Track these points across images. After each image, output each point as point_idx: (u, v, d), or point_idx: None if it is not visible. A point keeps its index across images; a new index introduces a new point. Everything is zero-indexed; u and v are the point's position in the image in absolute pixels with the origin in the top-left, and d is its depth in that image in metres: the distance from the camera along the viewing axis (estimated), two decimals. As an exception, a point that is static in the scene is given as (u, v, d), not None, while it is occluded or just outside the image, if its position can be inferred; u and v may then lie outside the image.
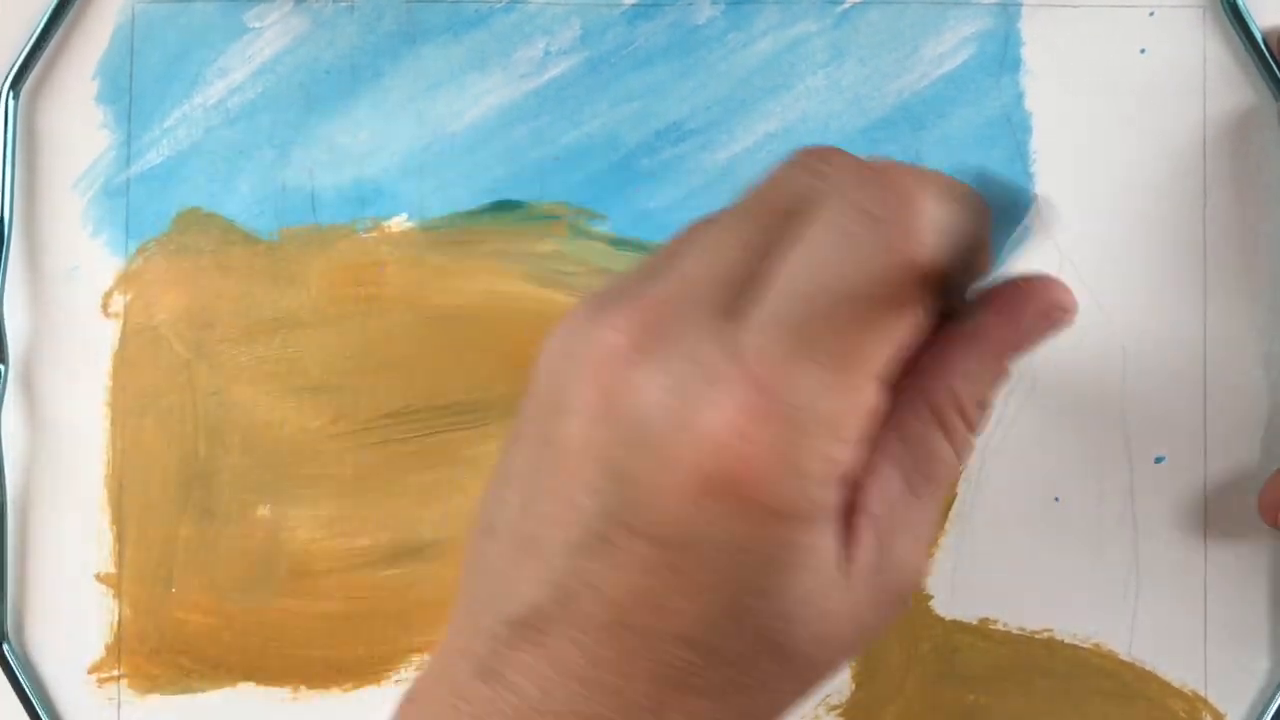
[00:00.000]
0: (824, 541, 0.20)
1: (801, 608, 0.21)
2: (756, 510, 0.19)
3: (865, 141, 0.36)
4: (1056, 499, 0.35)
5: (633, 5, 0.36)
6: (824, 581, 0.21)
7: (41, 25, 0.35)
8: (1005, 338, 0.22)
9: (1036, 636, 0.35)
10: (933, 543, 0.22)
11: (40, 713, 0.35)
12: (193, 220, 0.36)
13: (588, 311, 0.21)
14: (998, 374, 0.23)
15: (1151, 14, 0.36)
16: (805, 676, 0.22)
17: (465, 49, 0.36)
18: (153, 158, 0.36)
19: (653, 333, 0.20)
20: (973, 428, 0.23)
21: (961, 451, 0.22)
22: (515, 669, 0.20)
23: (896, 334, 0.20)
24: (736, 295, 0.20)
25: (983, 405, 0.23)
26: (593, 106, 0.36)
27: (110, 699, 0.36)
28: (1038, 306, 0.23)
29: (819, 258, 0.20)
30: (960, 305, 0.22)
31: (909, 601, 0.23)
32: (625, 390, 0.20)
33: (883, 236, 0.20)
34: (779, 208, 0.22)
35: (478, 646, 0.21)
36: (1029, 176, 0.35)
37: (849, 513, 0.21)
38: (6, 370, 0.36)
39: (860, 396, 0.20)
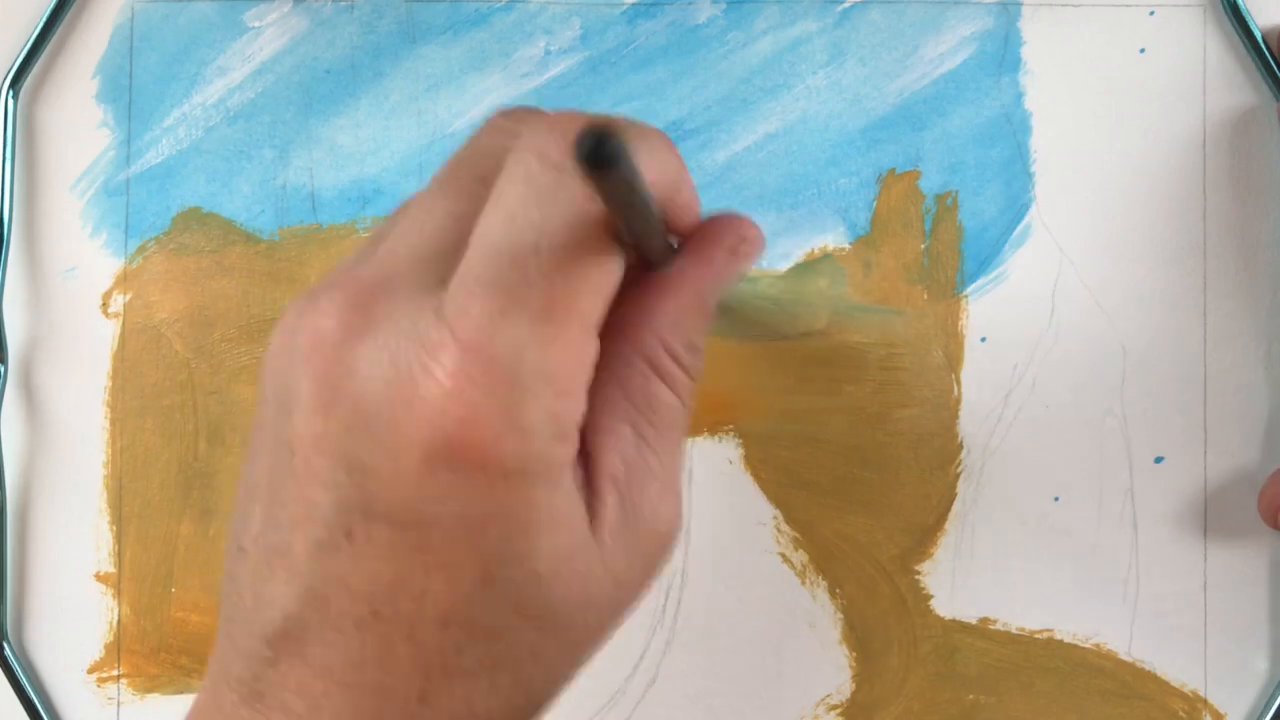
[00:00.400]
0: (561, 498, 0.20)
1: (553, 569, 0.20)
2: (487, 473, 0.19)
3: (865, 141, 0.36)
4: (1056, 499, 0.35)
5: (633, 5, 0.36)
6: (572, 541, 0.20)
7: (41, 25, 0.35)
8: (701, 278, 0.23)
9: (1036, 636, 0.35)
10: (678, 487, 0.23)
11: (40, 712, 0.35)
12: (193, 220, 0.36)
13: (300, 303, 0.21)
14: (702, 314, 0.23)
15: (1151, 14, 0.36)
16: (573, 642, 0.21)
17: (465, 49, 0.36)
18: (152, 157, 0.36)
19: (362, 312, 0.20)
20: (689, 371, 0.23)
21: (683, 395, 0.23)
22: (280, 687, 0.20)
23: (597, 281, 0.20)
24: (442, 264, 0.20)
25: (693, 348, 0.23)
26: (593, 106, 0.36)
27: (110, 699, 0.36)
28: (726, 244, 0.23)
29: (511, 213, 0.20)
30: (659, 253, 0.22)
31: (669, 552, 0.23)
32: (343, 375, 0.20)
33: (568, 185, 0.20)
34: (475, 173, 0.22)
35: (241, 671, 0.21)
36: (1029, 176, 0.35)
37: (589, 472, 0.21)
38: (6, 370, 0.36)
39: (571, 346, 0.20)
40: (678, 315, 0.22)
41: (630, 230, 0.21)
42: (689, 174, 0.23)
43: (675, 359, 0.22)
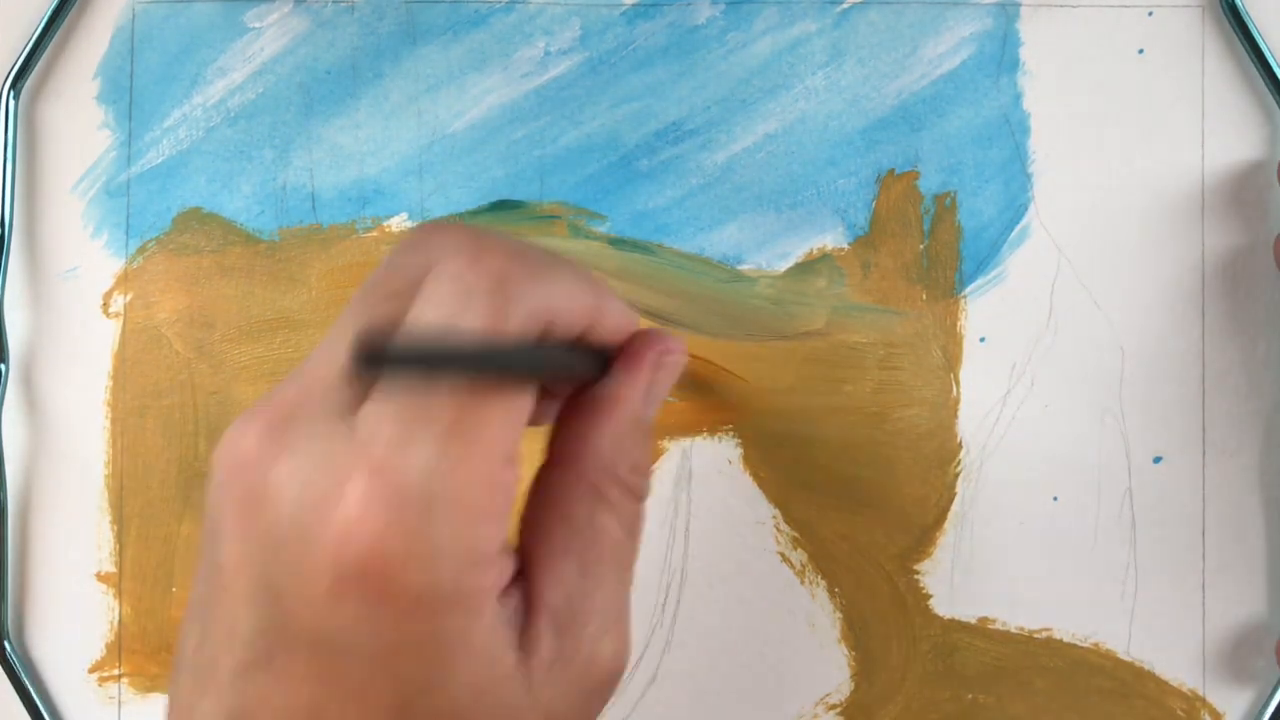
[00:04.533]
0: (481, 629, 0.20)
1: (474, 701, 0.20)
2: (398, 600, 0.19)
3: (864, 142, 0.36)
4: (1056, 499, 0.35)
5: (633, 5, 0.36)
6: (494, 673, 0.20)
7: (42, 25, 0.36)
8: (634, 396, 0.23)
9: (1036, 636, 0.35)
10: (625, 622, 0.22)
11: (41, 712, 0.35)
12: (193, 220, 0.36)
13: (234, 424, 0.21)
14: (640, 432, 0.23)
15: (1150, 14, 0.36)
16: None
17: (465, 49, 0.36)
18: (153, 158, 0.36)
19: (279, 434, 0.20)
20: (635, 494, 0.22)
21: (627, 523, 0.22)
22: None
23: (505, 407, 0.20)
24: (358, 384, 0.20)
25: (639, 469, 0.22)
26: (593, 107, 0.36)
27: (111, 698, 0.36)
28: (650, 359, 0.23)
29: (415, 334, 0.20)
30: (578, 378, 0.22)
31: (611, 688, 0.22)
32: (260, 498, 0.19)
33: (479, 314, 0.20)
34: (393, 289, 0.21)
35: None
36: (1027, 176, 0.36)
37: (528, 604, 0.21)
38: (7, 370, 0.36)
39: (482, 471, 0.19)
40: (616, 437, 0.22)
41: (511, 374, 0.20)
42: (609, 293, 0.23)
43: (620, 483, 0.22)
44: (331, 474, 0.19)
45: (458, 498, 0.19)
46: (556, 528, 0.21)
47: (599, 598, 0.21)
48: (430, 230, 0.22)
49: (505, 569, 0.21)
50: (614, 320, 0.23)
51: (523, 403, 0.20)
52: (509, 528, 0.20)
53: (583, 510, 0.22)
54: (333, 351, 0.21)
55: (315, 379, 0.21)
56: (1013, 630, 0.35)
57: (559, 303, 0.21)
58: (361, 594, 0.19)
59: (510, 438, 0.20)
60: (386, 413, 0.19)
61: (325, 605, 0.19)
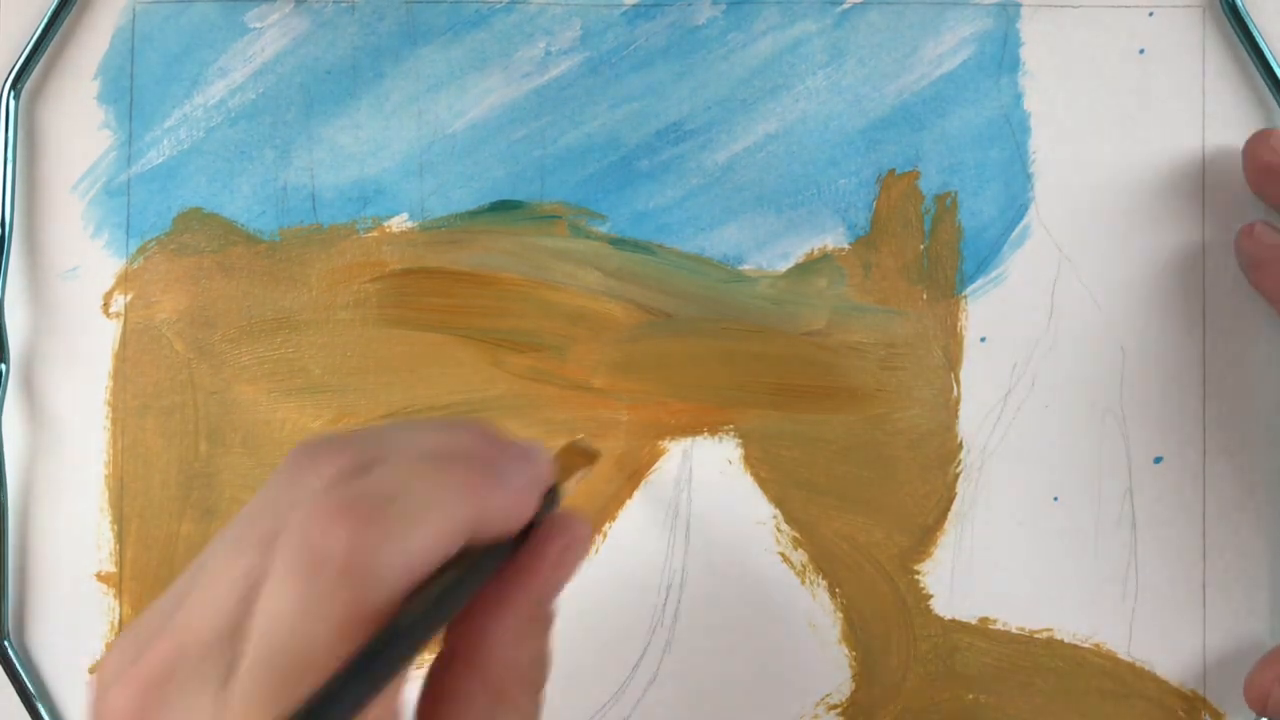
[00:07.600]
0: None
1: None
2: None
3: (865, 142, 0.36)
4: (1056, 499, 0.35)
5: (633, 5, 0.36)
6: None
7: (42, 25, 0.36)
8: (536, 586, 0.22)
9: (1036, 636, 0.35)
10: None
11: (41, 711, 0.35)
12: (193, 220, 0.36)
13: (103, 672, 0.20)
14: (540, 621, 0.22)
15: (1151, 14, 0.36)
16: None
17: (465, 49, 0.36)
18: (153, 158, 0.36)
19: (152, 705, 0.20)
20: (536, 686, 0.22)
21: (528, 718, 0.22)
22: None
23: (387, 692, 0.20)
24: (227, 651, 0.20)
25: (537, 660, 0.22)
26: (593, 107, 0.36)
27: (111, 698, 0.36)
28: (555, 548, 0.23)
29: (281, 609, 0.20)
30: (495, 562, 0.22)
31: None
32: None
33: (333, 583, 0.19)
34: (263, 529, 0.21)
35: None
36: (1028, 176, 0.36)
37: None
38: (7, 370, 0.36)
39: None
40: (518, 631, 0.22)
41: (396, 672, 0.20)
42: (499, 491, 0.22)
43: (521, 680, 0.22)
44: None
45: None
46: None
47: None
48: (306, 453, 0.21)
49: None
50: (501, 519, 0.22)
51: (400, 683, 0.20)
52: None
53: (482, 709, 0.21)
54: (203, 605, 0.20)
55: (187, 636, 0.20)
56: (1013, 630, 0.35)
57: (426, 550, 0.20)
58: None
59: (382, 701, 0.20)
60: (253, 700, 0.19)
61: None
